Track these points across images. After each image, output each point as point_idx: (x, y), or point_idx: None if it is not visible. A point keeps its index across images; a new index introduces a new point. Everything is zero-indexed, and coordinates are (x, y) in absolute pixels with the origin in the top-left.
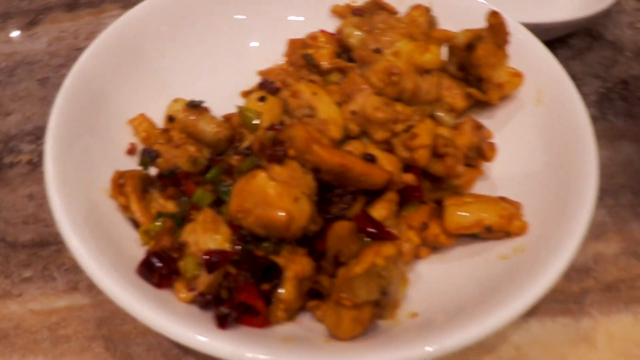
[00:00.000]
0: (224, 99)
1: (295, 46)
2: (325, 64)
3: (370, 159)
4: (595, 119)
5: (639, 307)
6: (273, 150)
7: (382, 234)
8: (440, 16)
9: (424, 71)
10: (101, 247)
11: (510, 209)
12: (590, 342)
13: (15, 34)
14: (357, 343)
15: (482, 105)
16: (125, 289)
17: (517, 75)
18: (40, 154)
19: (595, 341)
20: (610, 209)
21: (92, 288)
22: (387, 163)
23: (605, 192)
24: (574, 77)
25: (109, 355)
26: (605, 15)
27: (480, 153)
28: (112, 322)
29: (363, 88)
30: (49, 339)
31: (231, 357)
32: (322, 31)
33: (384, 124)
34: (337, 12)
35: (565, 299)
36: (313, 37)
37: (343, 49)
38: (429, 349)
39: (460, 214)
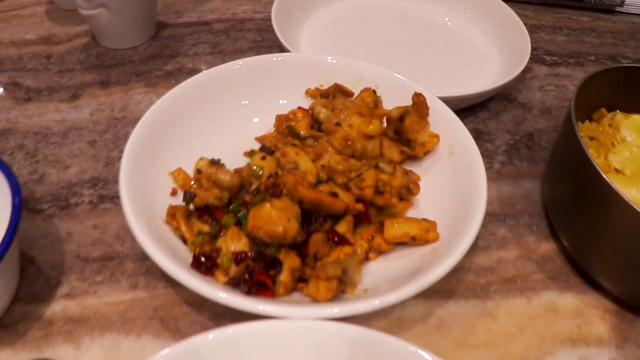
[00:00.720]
0: (234, 157)
1: (281, 120)
2: (303, 132)
3: (334, 194)
4: (504, 164)
5: (530, 294)
6: (273, 190)
7: (343, 241)
8: (383, 95)
9: (369, 137)
10: (167, 252)
11: (428, 225)
12: (493, 316)
13: (62, 105)
14: (329, 302)
15: (413, 158)
16: (188, 274)
17: (435, 136)
18: (98, 197)
19: (497, 316)
20: (512, 227)
21: (148, 286)
22: (345, 198)
23: (508, 216)
24: (489, 133)
25: (163, 328)
26: (518, 82)
27: (409, 190)
28: (165, 308)
29: (329, 149)
30: (119, 320)
31: (252, 309)
32: (300, 108)
33: (343, 173)
34: (310, 93)
35: (475, 288)
36: (293, 113)
37: (315, 122)
38: (376, 302)
39: (394, 229)
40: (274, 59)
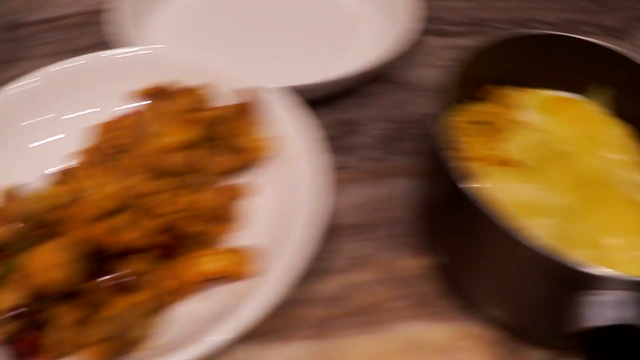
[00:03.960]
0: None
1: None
2: (106, 149)
3: (128, 227)
4: (376, 160)
5: (389, 327)
6: (49, 228)
7: (130, 287)
8: (219, 94)
9: (179, 148)
10: None
11: (243, 255)
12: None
13: None
14: None
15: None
16: None
17: (268, 140)
18: None
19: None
20: (376, 241)
21: None
22: (140, 231)
23: (373, 227)
24: (362, 123)
25: None
26: (404, 58)
27: (227, 212)
28: None
29: (134, 168)
30: None
31: None
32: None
33: (144, 197)
34: (133, 96)
35: (318, 323)
36: (108, 123)
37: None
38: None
39: (196, 265)
40: (82, 62)
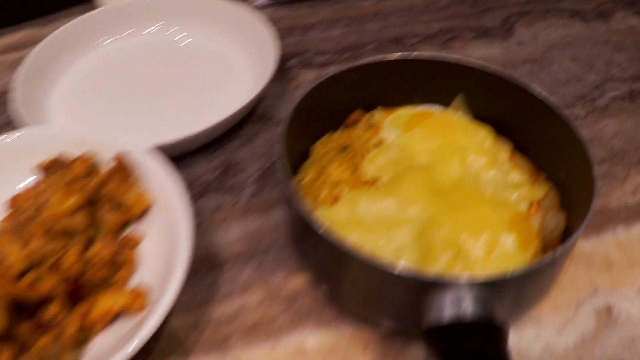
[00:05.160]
0: None
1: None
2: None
3: (35, 282)
4: (253, 196)
5: (276, 338)
6: None
7: (46, 327)
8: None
9: (73, 212)
10: None
11: (137, 293)
12: None
13: None
14: None
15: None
16: None
17: (144, 194)
18: None
19: None
20: (258, 266)
21: None
22: (51, 281)
23: (255, 254)
24: (239, 163)
25: None
26: (276, 96)
27: (124, 258)
28: None
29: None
30: None
31: None
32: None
33: (45, 256)
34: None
35: (214, 342)
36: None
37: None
38: None
39: (103, 304)
40: None
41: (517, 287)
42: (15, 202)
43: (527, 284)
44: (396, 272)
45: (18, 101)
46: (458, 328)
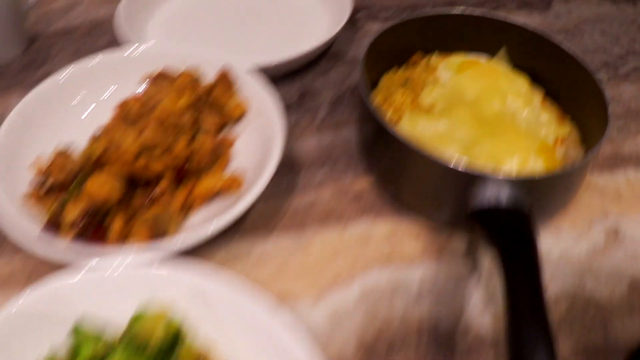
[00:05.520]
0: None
1: (121, 106)
2: (133, 116)
3: (147, 163)
4: (326, 116)
5: (344, 225)
6: (100, 164)
7: (158, 199)
8: (209, 72)
9: (183, 111)
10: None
11: (234, 177)
12: (309, 247)
13: None
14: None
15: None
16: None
17: (243, 102)
18: None
19: (312, 247)
20: (329, 170)
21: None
22: (160, 164)
23: (327, 160)
24: (315, 91)
25: None
26: (347, 40)
27: (219, 151)
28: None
29: (149, 127)
30: None
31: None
32: (132, 96)
33: (157, 145)
34: (142, 81)
35: (292, 224)
36: (127, 101)
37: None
38: (181, 238)
39: (206, 184)
40: (98, 59)
41: (544, 188)
42: (125, 105)
43: (551, 187)
44: (451, 165)
45: (122, 24)
46: (495, 212)
